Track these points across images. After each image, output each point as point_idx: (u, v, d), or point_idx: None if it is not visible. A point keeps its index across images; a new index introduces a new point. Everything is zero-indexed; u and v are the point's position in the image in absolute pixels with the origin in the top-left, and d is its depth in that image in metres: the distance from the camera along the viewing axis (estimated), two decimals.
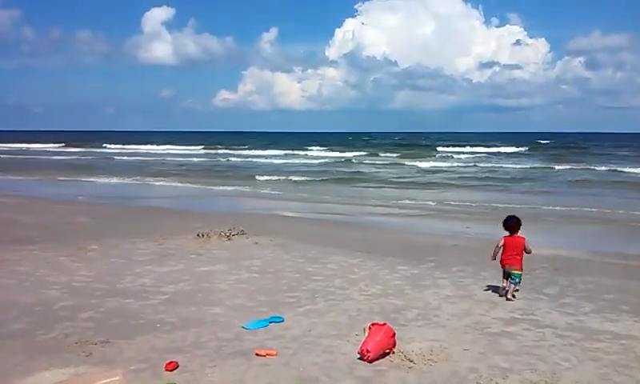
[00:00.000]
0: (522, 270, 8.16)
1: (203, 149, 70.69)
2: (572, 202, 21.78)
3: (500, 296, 8.16)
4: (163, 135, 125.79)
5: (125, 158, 53.78)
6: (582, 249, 12.50)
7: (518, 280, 8.11)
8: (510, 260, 8.16)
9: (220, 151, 66.39)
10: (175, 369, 5.26)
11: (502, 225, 8.47)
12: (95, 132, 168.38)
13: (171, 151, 67.50)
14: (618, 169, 39.04)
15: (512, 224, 8.34)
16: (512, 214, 8.66)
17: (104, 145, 76.43)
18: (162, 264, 9.82)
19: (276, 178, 33.86)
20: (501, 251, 8.30)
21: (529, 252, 8.28)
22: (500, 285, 8.43)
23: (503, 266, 8.23)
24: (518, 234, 8.31)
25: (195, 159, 52.96)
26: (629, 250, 12.52)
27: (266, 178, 33.80)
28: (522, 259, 8.19)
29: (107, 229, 13.68)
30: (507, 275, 8.16)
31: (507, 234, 8.34)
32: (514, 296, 8.00)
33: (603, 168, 39.61)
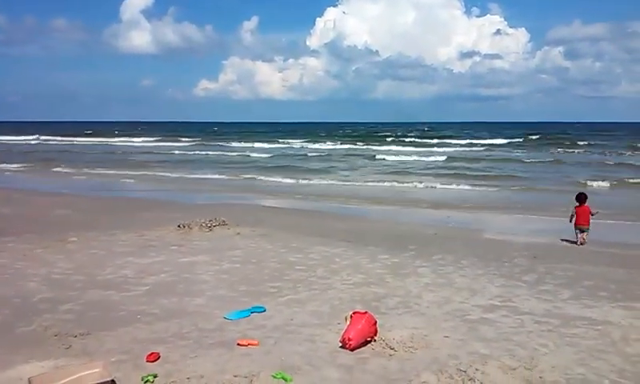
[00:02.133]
0: (589, 225, 11.90)
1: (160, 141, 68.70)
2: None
3: (578, 245, 11.64)
4: (146, 126, 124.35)
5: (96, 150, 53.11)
6: (561, 236, 12.68)
7: (587, 232, 11.85)
8: (582, 221, 11.92)
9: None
10: (157, 360, 5.24)
11: (575, 199, 12.38)
12: (73, 123, 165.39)
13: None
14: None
15: (582, 197, 12.27)
16: (580, 191, 13.00)
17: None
18: (143, 255, 9.75)
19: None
20: (574, 217, 12.03)
21: (594, 214, 12.04)
22: (479, 271, 8.56)
23: (577, 226, 11.91)
24: (586, 203, 12.13)
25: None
26: (608, 237, 12.71)
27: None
28: (589, 219, 11.91)
29: (86, 221, 13.54)
30: (581, 231, 11.83)
31: (577, 204, 12.13)
32: (584, 241, 11.69)
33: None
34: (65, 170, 31.63)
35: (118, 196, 20.13)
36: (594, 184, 24.21)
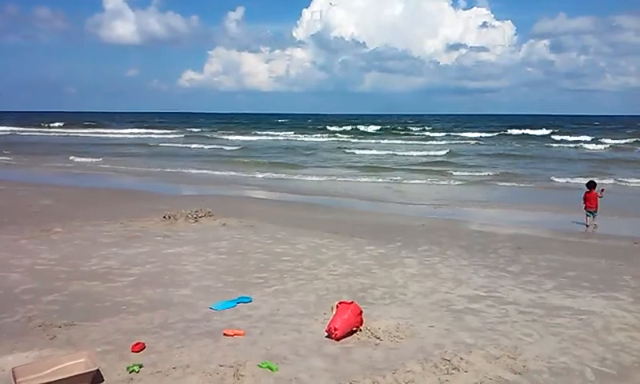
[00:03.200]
0: (597, 209, 13.28)
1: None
2: None
3: (586, 226, 13.16)
4: (127, 117, 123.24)
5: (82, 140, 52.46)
6: (545, 228, 12.82)
7: (595, 215, 13.25)
8: (591, 205, 13.33)
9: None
10: (142, 350, 5.23)
11: (585, 185, 13.86)
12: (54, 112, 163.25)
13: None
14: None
15: (591, 184, 13.66)
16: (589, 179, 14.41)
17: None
18: (128, 246, 9.70)
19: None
20: (584, 201, 13.45)
21: (601, 195, 13.44)
22: (464, 262, 8.64)
23: (587, 209, 13.33)
24: (595, 189, 13.46)
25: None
26: (590, 229, 12.87)
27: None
28: (597, 203, 13.28)
29: (70, 211, 13.41)
30: (589, 213, 13.26)
31: (587, 190, 13.50)
32: (595, 226, 13.06)
33: None
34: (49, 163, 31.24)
35: (101, 187, 19.92)
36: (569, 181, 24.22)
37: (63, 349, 5.24)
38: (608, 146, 45.39)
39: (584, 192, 13.65)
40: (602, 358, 5.30)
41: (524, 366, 5.05)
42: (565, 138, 55.80)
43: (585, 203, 13.46)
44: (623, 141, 49.17)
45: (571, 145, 48.18)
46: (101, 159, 31.80)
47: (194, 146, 46.80)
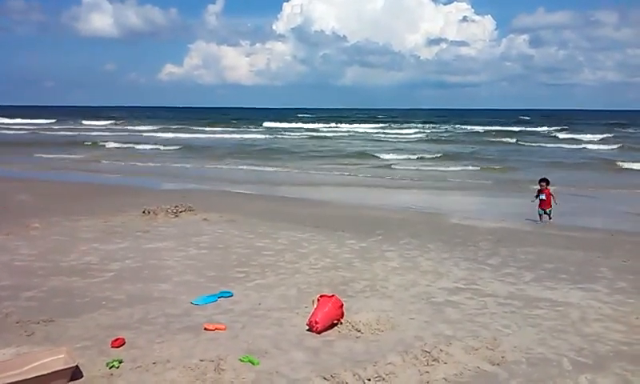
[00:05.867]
0: (551, 207, 12.91)
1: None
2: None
3: (540, 222, 12.80)
4: (107, 111, 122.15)
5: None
6: (524, 221, 12.97)
7: (550, 212, 12.89)
8: (545, 204, 12.89)
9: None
10: (122, 345, 5.20)
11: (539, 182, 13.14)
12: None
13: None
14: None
15: (545, 181, 13.00)
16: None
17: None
18: (108, 241, 9.61)
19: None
20: (538, 198, 13.01)
21: (556, 203, 12.91)
22: (444, 254, 8.86)
23: (541, 208, 12.94)
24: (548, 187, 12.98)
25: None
26: (569, 221, 13.04)
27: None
28: (551, 201, 12.88)
29: (49, 206, 13.23)
30: (544, 212, 12.93)
31: (544, 186, 12.89)
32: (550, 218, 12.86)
33: None
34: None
35: (79, 181, 19.71)
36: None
37: (42, 345, 5.18)
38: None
39: (537, 190, 13.16)
40: (578, 348, 5.39)
41: (502, 357, 5.12)
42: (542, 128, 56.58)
43: (539, 202, 12.99)
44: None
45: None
46: None
47: (176, 135, 46.25)
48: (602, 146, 41.62)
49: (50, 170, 23.74)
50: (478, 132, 59.07)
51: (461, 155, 33.75)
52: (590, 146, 41.73)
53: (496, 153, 35.89)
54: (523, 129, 63.15)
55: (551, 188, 13.15)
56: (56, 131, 55.15)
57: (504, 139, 47.71)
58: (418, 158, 32.10)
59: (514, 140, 46.27)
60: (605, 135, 50.93)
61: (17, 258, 8.43)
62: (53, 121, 73.77)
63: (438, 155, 33.36)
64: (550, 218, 12.85)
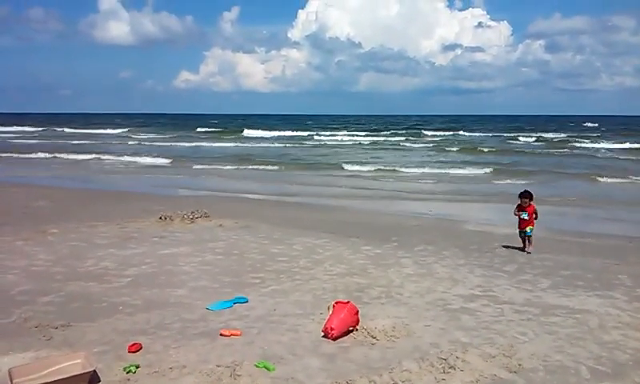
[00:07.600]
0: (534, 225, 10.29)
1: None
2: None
3: (524, 250, 10.17)
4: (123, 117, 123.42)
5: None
6: (540, 227, 12.84)
7: (530, 234, 10.22)
8: (527, 223, 10.18)
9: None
10: (139, 350, 5.23)
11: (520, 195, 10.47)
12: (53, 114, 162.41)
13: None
14: None
15: (527, 194, 10.35)
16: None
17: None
18: (124, 247, 9.69)
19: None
20: (518, 216, 10.37)
21: (536, 218, 10.33)
22: (460, 261, 8.86)
23: (522, 228, 10.28)
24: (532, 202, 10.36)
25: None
26: (584, 228, 12.92)
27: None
28: (533, 220, 10.24)
29: (66, 212, 13.38)
30: (524, 233, 10.26)
31: (525, 202, 10.26)
32: (531, 248, 10.20)
33: None
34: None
35: (95, 188, 19.90)
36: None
37: (60, 349, 5.23)
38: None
39: (517, 204, 10.46)
40: (597, 356, 5.33)
41: (519, 365, 5.08)
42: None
43: (520, 220, 10.32)
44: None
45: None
46: None
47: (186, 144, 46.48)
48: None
49: (66, 177, 24.00)
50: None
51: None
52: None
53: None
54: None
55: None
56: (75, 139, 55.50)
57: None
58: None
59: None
60: None
61: (35, 263, 8.53)
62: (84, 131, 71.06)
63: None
64: (531, 244, 10.20)
